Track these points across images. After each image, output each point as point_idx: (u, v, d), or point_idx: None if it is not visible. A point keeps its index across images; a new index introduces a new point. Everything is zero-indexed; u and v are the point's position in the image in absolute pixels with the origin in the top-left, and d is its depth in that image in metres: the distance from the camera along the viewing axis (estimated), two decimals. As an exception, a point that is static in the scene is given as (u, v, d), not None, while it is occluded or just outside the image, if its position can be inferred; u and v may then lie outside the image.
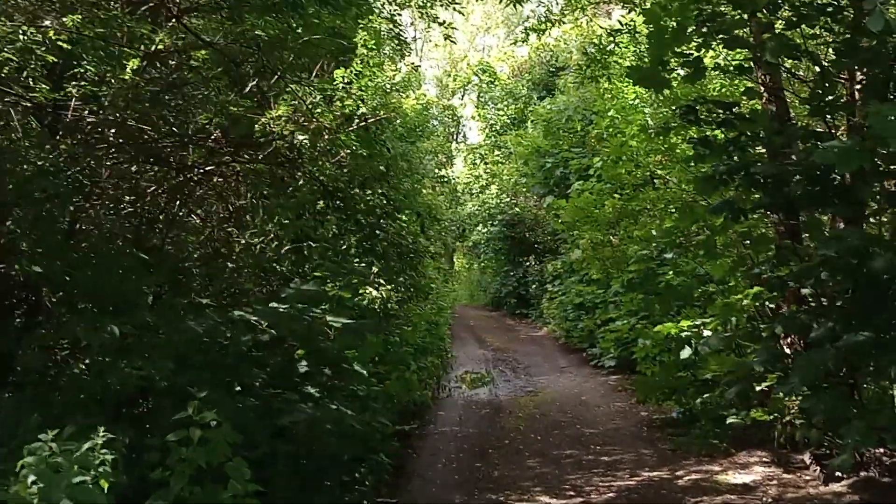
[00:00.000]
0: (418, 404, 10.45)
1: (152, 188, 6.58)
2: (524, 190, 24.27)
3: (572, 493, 7.13)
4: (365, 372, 7.40)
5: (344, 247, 8.22)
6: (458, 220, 30.03)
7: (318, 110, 7.12)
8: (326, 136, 7.19)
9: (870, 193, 6.41)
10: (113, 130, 5.95)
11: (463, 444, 9.06)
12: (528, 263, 24.17)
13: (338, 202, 7.88)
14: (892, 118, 3.56)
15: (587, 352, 15.60)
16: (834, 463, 5.71)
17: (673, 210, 9.63)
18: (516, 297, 24.76)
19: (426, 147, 23.75)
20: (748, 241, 7.80)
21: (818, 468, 6.90)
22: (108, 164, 6.02)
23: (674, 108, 8.29)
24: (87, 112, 5.84)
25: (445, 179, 29.72)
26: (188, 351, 5.15)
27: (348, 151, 7.56)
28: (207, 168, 7.08)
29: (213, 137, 6.80)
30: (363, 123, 7.66)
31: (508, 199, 26.25)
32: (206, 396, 4.48)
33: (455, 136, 38.18)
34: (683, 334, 8.43)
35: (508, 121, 30.53)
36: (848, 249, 5.43)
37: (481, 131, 33.82)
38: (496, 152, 30.22)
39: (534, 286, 23.16)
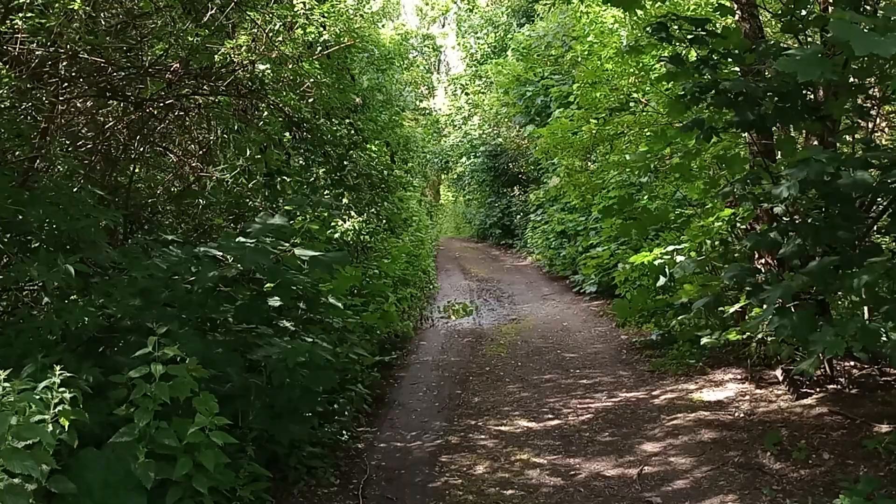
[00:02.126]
0: (400, 335, 10.52)
1: (111, 123, 6.41)
2: (506, 120, 24.04)
3: (550, 415, 7.24)
4: (340, 304, 7.41)
5: (312, 179, 8.10)
6: (442, 152, 29.84)
7: (280, 38, 6.92)
8: (290, 66, 7.01)
9: (842, 110, 6.34)
10: (65, 64, 5.76)
11: (444, 373, 9.16)
12: (512, 194, 24.12)
13: (304, 133, 7.72)
14: (855, 24, 3.44)
15: (569, 279, 15.71)
16: (799, 367, 5.77)
17: (649, 134, 9.52)
18: (501, 228, 24.81)
19: (406, 78, 23.40)
20: (722, 163, 7.75)
21: (789, 383, 7.01)
22: (62, 99, 5.83)
23: (646, 27, 8.09)
24: (35, 45, 5.64)
25: (427, 111, 29.39)
26: (153, 287, 5.09)
27: (312, 81, 7.37)
28: (167, 101, 6.90)
29: (171, 69, 6.61)
30: (326, 52, 7.44)
31: (491, 130, 26.02)
32: (170, 332, 4.44)
33: (436, 67, 37.58)
34: (657, 262, 8.43)
35: (489, 50, 30.03)
36: (818, 173, 5.37)
37: (462, 61, 33.27)
38: (477, 82, 29.82)
39: (518, 216, 23.16)
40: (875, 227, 6.54)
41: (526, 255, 21.01)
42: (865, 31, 3.61)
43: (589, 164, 11.79)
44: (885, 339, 5.53)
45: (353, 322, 7.79)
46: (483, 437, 6.70)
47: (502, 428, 6.90)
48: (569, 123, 11.99)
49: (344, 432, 6.59)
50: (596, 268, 12.93)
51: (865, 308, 6.67)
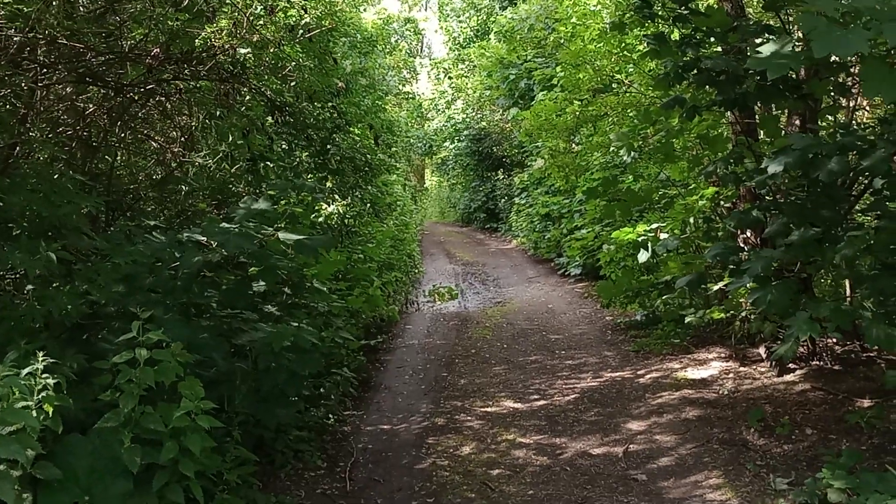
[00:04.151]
0: (386, 319, 10.52)
1: (91, 110, 6.34)
2: (489, 103, 23.98)
3: (536, 396, 7.29)
4: (325, 288, 7.40)
5: (295, 163, 8.05)
6: (426, 136, 29.75)
7: (261, 22, 6.85)
8: (271, 50, 6.95)
9: (823, 89, 6.37)
10: (43, 49, 5.68)
11: (430, 356, 9.18)
12: (496, 178, 24.09)
13: (287, 117, 7.66)
14: (823, 15, 3.43)
15: (554, 261, 15.75)
16: (778, 352, 5.84)
17: (632, 114, 9.53)
18: (485, 212, 24.81)
19: (388, 63, 23.26)
20: (705, 142, 7.77)
21: (772, 360, 7.08)
22: (42, 85, 5.76)
23: (629, 7, 8.07)
24: (13, 31, 5.55)
25: (410, 96, 29.25)
26: (136, 273, 5.06)
27: (294, 64, 7.31)
28: (148, 87, 6.83)
29: (151, 54, 6.53)
30: (308, 35, 7.38)
31: (474, 114, 25.96)
32: (154, 318, 4.42)
33: (419, 52, 37.38)
34: (641, 238, 8.47)
35: (472, 33, 29.90)
36: (799, 160, 5.40)
37: (445, 45, 33.11)
38: (460, 66, 29.71)
39: (502, 200, 23.16)
40: (857, 206, 6.61)
41: (511, 239, 21.04)
42: (835, 19, 3.58)
43: (573, 145, 11.79)
44: (863, 316, 5.61)
45: (338, 306, 7.77)
46: (469, 418, 6.73)
47: (488, 409, 6.94)
48: (552, 105, 11.97)
49: (330, 416, 6.61)
50: (580, 250, 12.95)
51: (847, 284, 6.74)
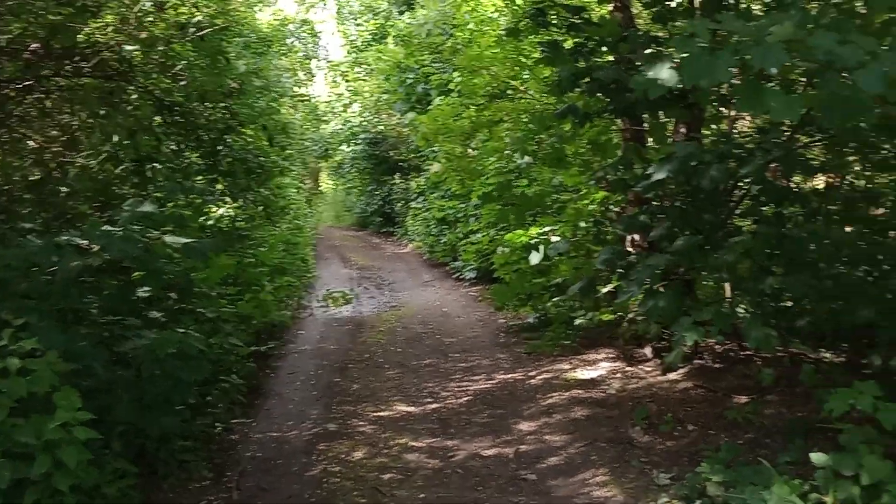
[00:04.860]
0: (277, 325, 10.29)
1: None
2: (386, 107, 23.88)
3: (429, 399, 7.27)
4: (214, 293, 7.15)
5: (185, 164, 7.76)
6: (321, 139, 29.34)
7: (150, 18, 6.59)
8: (160, 48, 6.68)
9: (707, 99, 6.64)
10: None
11: (323, 361, 9.02)
12: (392, 182, 24.01)
13: (176, 117, 7.37)
14: (698, 40, 3.57)
15: (450, 265, 15.83)
16: (667, 359, 6.08)
17: (526, 120, 9.69)
18: (382, 216, 24.70)
19: (284, 64, 22.80)
20: (596, 148, 8.00)
21: (658, 360, 7.34)
22: None
23: (524, 14, 8.21)
24: None
25: (306, 98, 28.77)
26: (9, 279, 4.74)
27: (185, 63, 7.05)
28: (26, 83, 6.44)
29: (30, 48, 6.17)
30: (200, 34, 7.14)
31: (371, 118, 25.79)
32: (28, 325, 4.16)
33: (316, 54, 36.86)
34: (533, 241, 8.62)
35: (369, 36, 29.72)
36: (681, 168, 5.61)
37: (342, 48, 32.80)
38: (357, 69, 29.48)
39: (399, 204, 23.10)
40: (737, 211, 6.93)
41: (407, 243, 21.04)
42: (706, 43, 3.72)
43: (469, 150, 11.88)
44: (742, 318, 5.89)
45: (227, 311, 7.54)
46: (362, 423, 6.64)
47: (381, 413, 6.87)
48: (449, 110, 12.04)
49: (217, 424, 6.38)
50: (475, 254, 13.07)
51: (727, 287, 7.06)
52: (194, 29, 7.04)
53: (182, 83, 7.31)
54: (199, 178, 8.02)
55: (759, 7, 7.25)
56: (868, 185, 6.60)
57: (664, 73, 4.04)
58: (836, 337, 6.57)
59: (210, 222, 7.73)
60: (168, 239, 5.45)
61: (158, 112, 7.41)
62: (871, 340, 5.69)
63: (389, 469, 5.54)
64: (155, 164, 7.49)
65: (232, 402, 6.89)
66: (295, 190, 17.84)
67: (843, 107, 3.59)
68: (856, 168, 6.66)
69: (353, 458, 5.81)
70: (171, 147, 7.67)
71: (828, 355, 6.77)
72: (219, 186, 7.91)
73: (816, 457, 4.07)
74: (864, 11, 4.73)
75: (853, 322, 5.19)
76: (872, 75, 3.27)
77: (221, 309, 7.13)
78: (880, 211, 6.36)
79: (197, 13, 7.17)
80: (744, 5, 6.64)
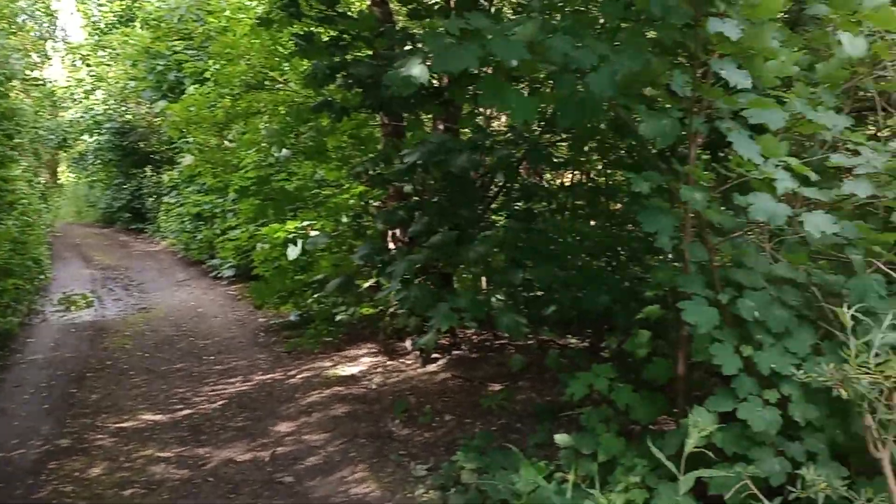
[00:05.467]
0: (2, 333, 9.10)
1: None
2: (135, 95, 22.20)
3: (180, 405, 6.78)
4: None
5: None
6: (59, 128, 26.66)
7: None
8: None
9: (463, 96, 6.82)
10: None
11: (56, 371, 8.08)
12: (143, 175, 22.40)
13: None
14: (448, 33, 3.63)
15: (207, 263, 15.02)
16: (420, 343, 6.15)
17: (284, 112, 9.40)
18: (131, 212, 22.99)
19: (13, 44, 20.41)
20: (358, 142, 7.92)
21: (418, 353, 7.43)
22: None
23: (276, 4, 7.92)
24: None
25: (40, 82, 26.00)
26: None
27: None
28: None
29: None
30: None
31: (118, 106, 23.86)
32: None
33: (52, 35, 33.44)
34: (291, 236, 8.37)
35: (114, 18, 27.52)
36: (431, 154, 5.72)
37: (84, 29, 30.06)
38: (101, 53, 27.16)
39: (151, 199, 21.61)
40: (493, 206, 7.20)
41: (160, 240, 19.71)
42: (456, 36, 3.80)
43: (226, 142, 11.32)
44: (495, 306, 6.10)
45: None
46: (101, 436, 6.01)
47: (124, 424, 6.27)
48: (203, 99, 11.37)
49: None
50: (234, 250, 12.49)
51: (483, 279, 7.31)
52: None
53: None
54: None
55: (510, 11, 7.64)
56: (609, 182, 7.16)
57: (415, 70, 4.05)
58: (581, 323, 7.06)
59: None
60: None
61: None
62: (611, 326, 6.15)
63: (132, 484, 5.04)
64: None
65: (-62, 423, 5.93)
66: (26, 183, 15.97)
67: (577, 108, 3.78)
68: (598, 166, 7.20)
69: (90, 475, 5.22)
70: None
71: (574, 341, 7.26)
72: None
73: (560, 438, 4.29)
74: (602, 21, 5.08)
75: (594, 309, 5.55)
76: (604, 78, 3.47)
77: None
78: (619, 206, 6.91)
79: None
80: (497, 7, 6.93)
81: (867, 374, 2.86)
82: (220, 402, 6.77)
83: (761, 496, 3.01)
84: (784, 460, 3.28)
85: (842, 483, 2.95)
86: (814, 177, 3.39)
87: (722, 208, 3.87)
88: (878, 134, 4.62)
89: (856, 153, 3.67)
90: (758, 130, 3.51)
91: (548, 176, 8.50)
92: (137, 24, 22.19)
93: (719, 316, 3.50)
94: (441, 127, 7.27)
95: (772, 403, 3.34)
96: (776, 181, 3.30)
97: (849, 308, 3.00)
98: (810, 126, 3.66)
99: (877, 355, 2.90)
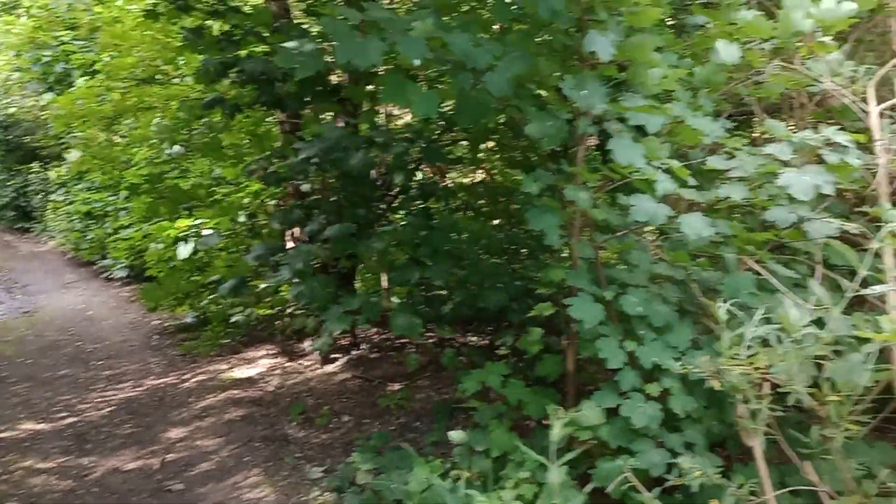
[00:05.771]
0: None
1: None
2: (19, 87, 21.04)
3: (65, 413, 6.47)
4: None
5: None
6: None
7: None
8: None
9: (361, 94, 6.76)
10: None
11: (-74, 381, 7.59)
12: (30, 171, 21.25)
13: None
14: (349, 22, 3.58)
15: (98, 264, 14.39)
16: (314, 345, 6.08)
17: (176, 107, 9.10)
18: (15, 210, 21.78)
19: None
20: (255, 139, 7.74)
21: (317, 353, 7.34)
22: None
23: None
24: None
25: (-89, 70, 24.33)
26: None
27: None
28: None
29: None
30: None
31: (0, 98, 22.56)
32: None
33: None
34: (182, 234, 8.12)
35: (-2, 5, 26.00)
36: (325, 151, 5.65)
37: (-40, 15, 28.27)
38: (-19, 41, 25.61)
39: (37, 196, 20.53)
40: (394, 204, 7.17)
41: (47, 240, 18.76)
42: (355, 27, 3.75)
43: (116, 138, 10.86)
44: (391, 306, 6.09)
45: None
46: (-25, 449, 5.68)
47: (2, 435, 5.93)
48: (90, 91, 10.87)
49: None
50: (127, 250, 12.01)
51: (384, 276, 7.27)
52: None
53: None
54: None
55: (402, 11, 7.63)
56: (507, 182, 7.25)
57: (307, 47, 3.98)
58: (480, 321, 7.12)
59: None
60: None
61: None
62: (508, 324, 6.24)
63: (8, 497, 4.77)
64: None
65: None
66: None
67: (472, 106, 3.82)
68: (498, 166, 7.28)
69: (-39, 490, 4.92)
70: None
71: (473, 339, 7.32)
72: None
73: (454, 434, 4.31)
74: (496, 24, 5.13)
75: (490, 307, 5.62)
76: (500, 78, 3.51)
77: None
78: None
79: None
80: (389, 6, 6.90)
81: (739, 365, 3.00)
82: (108, 409, 6.50)
83: (641, 487, 3.11)
84: (664, 451, 3.40)
85: (716, 471, 3.07)
86: (691, 180, 3.53)
87: (612, 208, 3.99)
88: (755, 138, 4.86)
89: (731, 157, 3.84)
90: (645, 132, 3.62)
91: (452, 175, 8.54)
92: (22, 12, 21.06)
93: (605, 312, 3.60)
94: (341, 125, 7.20)
95: (653, 397, 3.46)
96: (656, 183, 3.42)
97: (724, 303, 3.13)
98: (688, 133, 3.79)
99: (749, 348, 3.03)
